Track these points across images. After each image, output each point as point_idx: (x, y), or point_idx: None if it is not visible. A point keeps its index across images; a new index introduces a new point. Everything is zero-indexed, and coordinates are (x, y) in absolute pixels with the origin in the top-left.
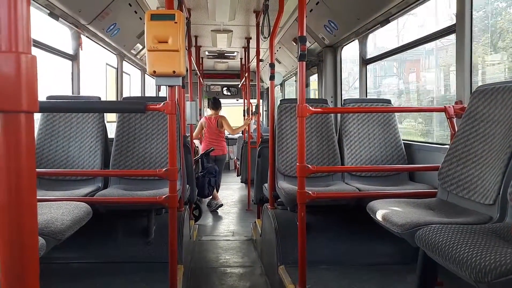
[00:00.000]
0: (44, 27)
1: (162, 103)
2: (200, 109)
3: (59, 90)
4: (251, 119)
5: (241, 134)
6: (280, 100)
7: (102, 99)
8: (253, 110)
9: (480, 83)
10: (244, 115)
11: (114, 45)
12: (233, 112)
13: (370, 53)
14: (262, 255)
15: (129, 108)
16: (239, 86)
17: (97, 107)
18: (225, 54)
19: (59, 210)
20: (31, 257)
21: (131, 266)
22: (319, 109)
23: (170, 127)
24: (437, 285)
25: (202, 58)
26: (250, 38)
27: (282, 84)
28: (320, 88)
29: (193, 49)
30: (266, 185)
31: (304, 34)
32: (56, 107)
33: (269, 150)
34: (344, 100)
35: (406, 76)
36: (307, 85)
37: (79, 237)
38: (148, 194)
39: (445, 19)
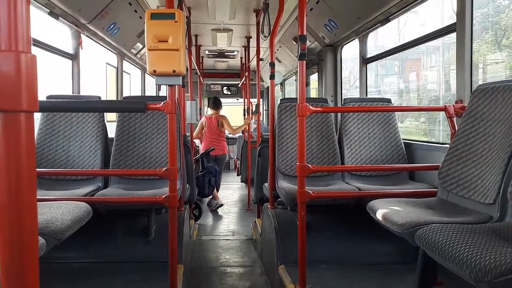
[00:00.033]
0: (44, 26)
1: (162, 103)
2: (200, 109)
3: (59, 90)
4: (251, 119)
5: (241, 134)
6: (280, 100)
7: (102, 99)
8: (253, 109)
9: (485, 81)
10: (244, 115)
11: (114, 44)
12: (233, 111)
13: (371, 52)
14: (262, 254)
15: (129, 107)
16: (239, 86)
17: (97, 106)
18: (225, 53)
19: (59, 209)
20: (31, 257)
21: (131, 266)
22: (319, 109)
23: (170, 126)
24: (437, 284)
25: (202, 57)
26: (250, 37)
27: (282, 83)
28: (320, 87)
29: (193, 48)
30: (266, 184)
31: (304, 33)
32: (56, 106)
33: (269, 149)
34: (344, 99)
35: (406, 74)
36: (307, 84)
37: (79, 236)
38: (148, 194)
39: (447, 16)
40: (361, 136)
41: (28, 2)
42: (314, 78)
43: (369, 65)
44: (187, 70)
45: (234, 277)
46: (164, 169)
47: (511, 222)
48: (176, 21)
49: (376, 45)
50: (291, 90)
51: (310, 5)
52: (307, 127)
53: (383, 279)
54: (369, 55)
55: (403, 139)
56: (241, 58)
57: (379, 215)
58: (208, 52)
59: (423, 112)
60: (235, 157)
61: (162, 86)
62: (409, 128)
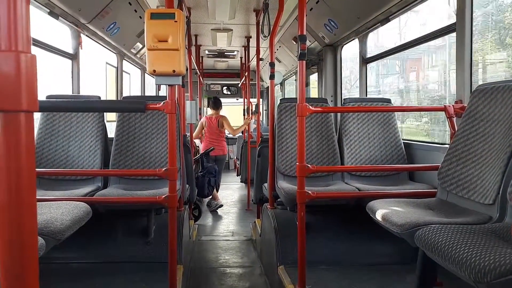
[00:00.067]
0: (44, 26)
1: (162, 103)
2: (200, 109)
3: (59, 90)
4: (251, 119)
5: (241, 134)
6: (280, 100)
7: (102, 99)
8: (253, 109)
9: (488, 80)
10: (244, 115)
11: (114, 44)
12: (233, 111)
13: (372, 52)
14: (261, 255)
15: (129, 107)
16: (239, 85)
17: (97, 106)
18: (225, 53)
19: (58, 210)
20: (31, 257)
21: (131, 266)
22: (319, 109)
23: (170, 126)
24: (436, 285)
25: (202, 57)
26: (250, 37)
27: (282, 83)
28: (320, 87)
29: (193, 48)
30: (265, 184)
31: (304, 33)
32: (56, 106)
33: (269, 149)
34: (344, 99)
35: (407, 74)
36: (307, 84)
37: (78, 237)
38: (148, 194)
39: (448, 16)
40: (361, 136)
41: (28, 2)
42: (314, 78)
43: (370, 65)
44: (187, 70)
45: (234, 278)
46: (163, 169)
47: (510, 223)
48: (176, 21)
49: (376, 45)
50: (291, 90)
51: (310, 5)
52: (306, 127)
53: (382, 280)
54: (369, 55)
55: (403, 139)
56: (241, 58)
57: (378, 216)
58: (208, 52)
59: (424, 112)
60: (235, 157)
61: (162, 86)
62: (410, 128)
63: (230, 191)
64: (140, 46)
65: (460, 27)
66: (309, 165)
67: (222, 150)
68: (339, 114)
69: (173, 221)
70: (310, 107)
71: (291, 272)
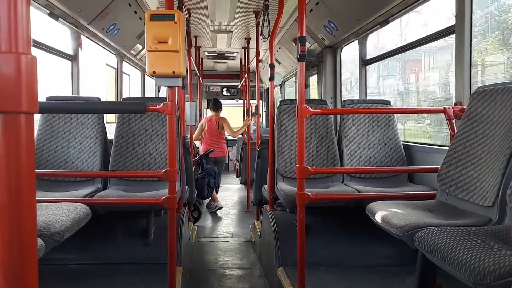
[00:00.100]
0: (44, 27)
1: (161, 104)
2: (199, 110)
3: (59, 91)
4: (251, 120)
5: (240, 135)
6: (280, 101)
7: (101, 100)
8: (253, 111)
9: (490, 82)
10: (243, 116)
11: (114, 46)
12: (232, 113)
13: (372, 53)
14: (261, 256)
15: (128, 108)
16: (239, 87)
17: (96, 107)
18: (225, 55)
19: (58, 211)
20: (30, 257)
21: (130, 268)
22: (319, 110)
23: (170, 128)
24: (436, 287)
25: (201, 58)
26: (250, 39)
27: (281, 85)
28: (320, 89)
29: (192, 50)
30: (265, 186)
31: (304, 35)
32: (56, 107)
33: (269, 151)
34: (344, 101)
35: (408, 75)
36: (307, 85)
37: (78, 238)
38: (147, 195)
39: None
40: (361, 138)
41: (28, 3)
42: (313, 79)
43: (371, 66)
44: (186, 71)
45: (233, 279)
46: (163, 170)
47: (510, 225)
48: (175, 22)
49: (376, 46)
50: (291, 91)
51: (309, 6)
52: (306, 128)
53: (382, 282)
54: (369, 56)
55: (403, 141)
56: (241, 59)
57: (378, 218)
58: (208, 53)
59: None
60: (235, 159)
61: (161, 87)
62: (411, 130)
63: (230, 193)
64: (140, 47)
65: (459, 29)
66: (308, 167)
67: (222, 151)
68: (338, 116)
69: (173, 223)
70: (310, 108)
71: (291, 274)
